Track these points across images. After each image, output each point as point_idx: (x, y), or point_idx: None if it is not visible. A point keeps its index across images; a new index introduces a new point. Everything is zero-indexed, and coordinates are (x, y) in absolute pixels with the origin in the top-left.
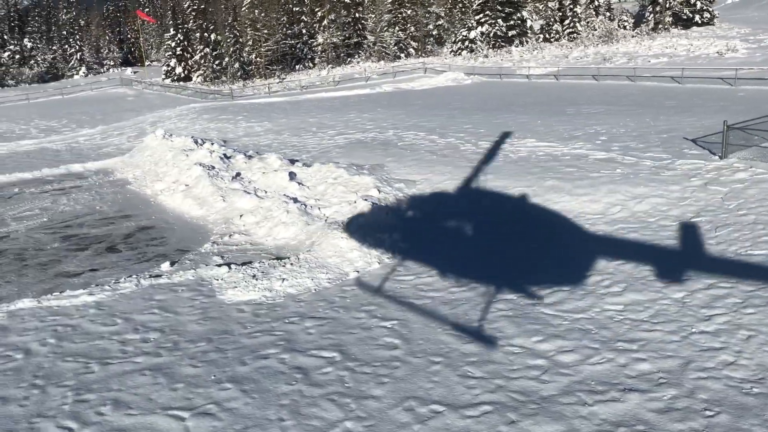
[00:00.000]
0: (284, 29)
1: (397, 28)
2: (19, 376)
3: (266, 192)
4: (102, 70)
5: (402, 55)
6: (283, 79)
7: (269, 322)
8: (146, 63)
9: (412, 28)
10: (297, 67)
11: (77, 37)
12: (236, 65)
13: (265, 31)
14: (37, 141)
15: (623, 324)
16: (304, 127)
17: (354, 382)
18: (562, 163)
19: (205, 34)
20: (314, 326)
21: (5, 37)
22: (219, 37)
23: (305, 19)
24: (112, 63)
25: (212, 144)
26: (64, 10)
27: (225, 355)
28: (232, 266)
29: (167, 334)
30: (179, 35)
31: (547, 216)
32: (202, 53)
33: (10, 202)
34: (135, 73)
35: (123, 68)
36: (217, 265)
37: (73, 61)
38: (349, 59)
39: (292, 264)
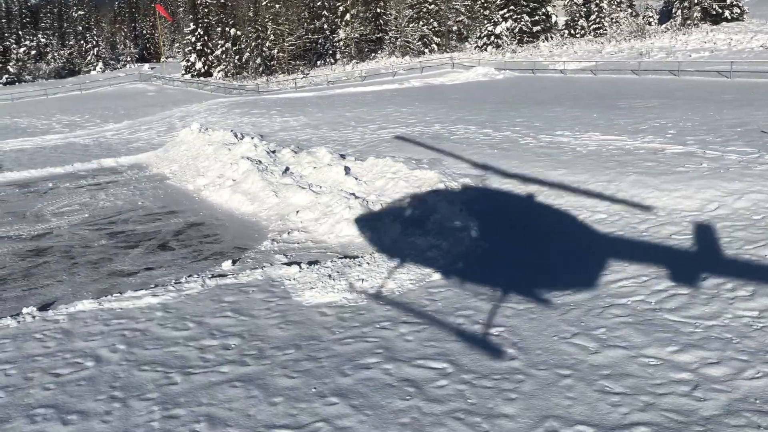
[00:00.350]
0: (306, 24)
1: (420, 23)
2: (94, 387)
3: (321, 187)
4: (118, 66)
5: (426, 50)
6: (307, 74)
7: (359, 327)
8: (161, 59)
9: (435, 24)
10: (317, 63)
11: (94, 32)
12: (258, 60)
13: (287, 26)
14: (63, 136)
15: (766, 332)
16: (342, 122)
17: (477, 397)
18: (637, 157)
19: (226, 28)
20: (411, 332)
21: (20, 33)
22: (240, 32)
23: (326, 14)
24: (128, 59)
25: (252, 138)
26: (75, 8)
27: (320, 365)
28: (302, 265)
29: (248, 340)
30: (199, 30)
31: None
32: (223, 48)
33: (47, 198)
34: (152, 69)
35: (139, 64)
36: (284, 264)
37: (89, 57)
38: (373, 54)
39: (368, 263)
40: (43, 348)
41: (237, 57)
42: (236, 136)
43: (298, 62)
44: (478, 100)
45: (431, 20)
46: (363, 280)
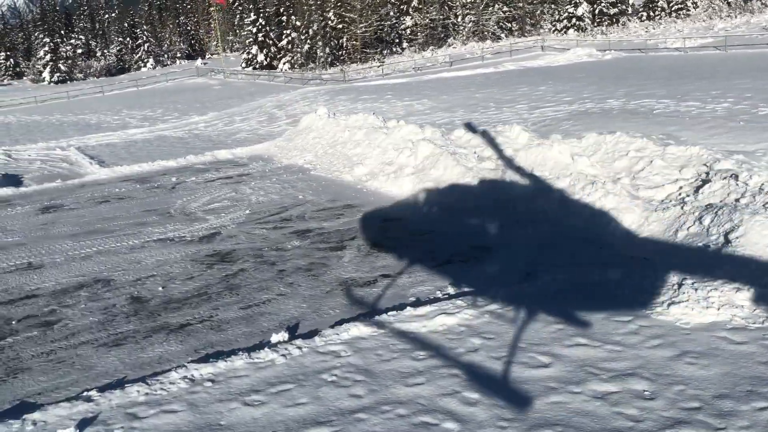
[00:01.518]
0: (378, 10)
1: (496, 6)
2: None
3: (545, 172)
4: (168, 63)
5: (502, 35)
6: (383, 62)
7: None
8: (207, 54)
9: (508, 7)
10: (384, 51)
11: (144, 28)
12: (326, 50)
13: (355, 14)
14: (147, 129)
15: None
16: (477, 103)
17: None
18: None
19: (292, 17)
20: None
21: (62, 32)
22: (307, 22)
23: (393, 1)
24: (178, 55)
25: (398, 121)
26: (104, 11)
27: None
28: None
29: (656, 382)
30: (260, 20)
31: None
32: (289, 39)
33: (180, 193)
34: (204, 64)
35: (187, 61)
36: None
37: (140, 53)
38: (449, 40)
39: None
40: (351, 398)
41: (305, 47)
42: (383, 119)
43: (369, 50)
44: (620, 78)
45: (507, 3)
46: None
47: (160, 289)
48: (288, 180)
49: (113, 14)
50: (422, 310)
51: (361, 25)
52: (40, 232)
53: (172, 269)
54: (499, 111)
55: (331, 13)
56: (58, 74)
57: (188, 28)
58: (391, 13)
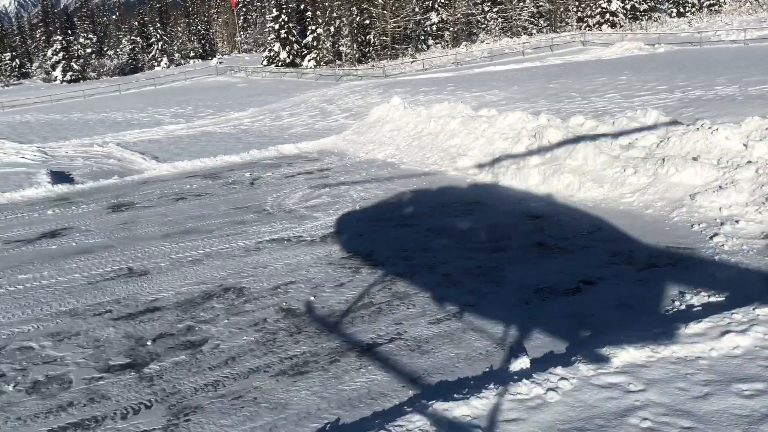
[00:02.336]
0: (404, 7)
1: (527, 0)
2: None
3: (716, 161)
4: (181, 62)
5: (533, 31)
6: (415, 58)
7: None
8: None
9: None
10: (418, 46)
11: (158, 26)
12: (354, 47)
13: (386, 10)
14: (185, 126)
15: None
16: (556, 94)
17: None
18: None
19: (317, 13)
20: None
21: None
22: (330, 19)
23: None
24: (191, 54)
25: (488, 110)
26: (102, 13)
27: None
28: None
29: None
30: (283, 17)
31: None
32: (315, 35)
33: (263, 190)
34: (220, 63)
35: (199, 60)
36: None
37: (153, 51)
38: (480, 35)
39: None
40: None
41: (332, 43)
42: (473, 108)
43: (399, 46)
44: (700, 67)
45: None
46: None
47: (312, 298)
48: (378, 175)
49: (113, 16)
50: (695, 327)
51: (392, 21)
52: (123, 232)
53: (312, 274)
54: (586, 101)
55: (357, 9)
56: (71, 73)
57: (198, 27)
58: (416, 9)
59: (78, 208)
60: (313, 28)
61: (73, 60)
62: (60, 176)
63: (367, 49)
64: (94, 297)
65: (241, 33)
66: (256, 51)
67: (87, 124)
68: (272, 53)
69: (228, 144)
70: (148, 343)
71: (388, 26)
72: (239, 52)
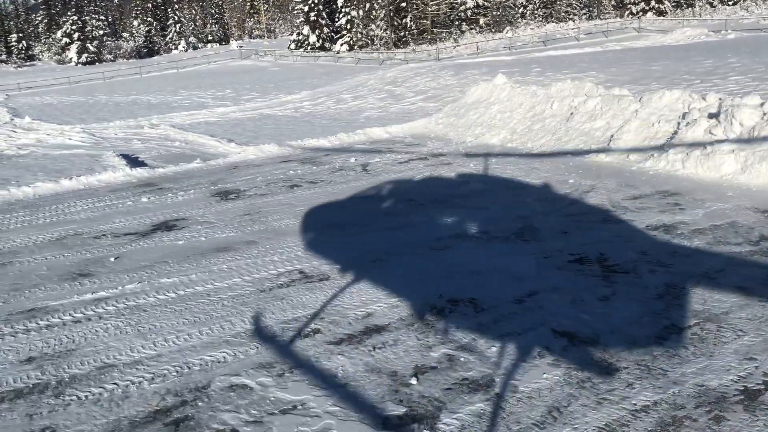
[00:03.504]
0: None
1: None
2: None
3: None
4: (199, 45)
5: (575, 17)
6: (458, 42)
7: None
8: (265, 36)
9: None
10: (462, 30)
11: (176, 8)
12: (387, 32)
13: None
14: (237, 108)
15: None
16: (665, 76)
17: None
18: None
19: None
20: None
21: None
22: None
23: None
24: (209, 38)
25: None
26: None
27: None
28: None
29: None
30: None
31: None
32: (348, 18)
33: (382, 177)
34: (240, 47)
35: (216, 45)
36: None
37: (171, 34)
38: (522, 21)
39: None
40: None
41: (368, 26)
42: (601, 87)
43: (438, 30)
44: None
45: None
46: None
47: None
48: (511, 161)
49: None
50: None
51: (433, 3)
52: (255, 224)
53: (557, 280)
54: (709, 83)
55: None
56: (86, 55)
57: (212, 11)
58: None
59: (176, 195)
60: (347, 10)
61: (88, 41)
62: (130, 160)
63: (402, 33)
64: (282, 310)
65: (252, 18)
66: (267, 37)
67: (119, 106)
68: (301, 37)
69: (301, 128)
70: (412, 381)
71: (429, 9)
72: (250, 38)
